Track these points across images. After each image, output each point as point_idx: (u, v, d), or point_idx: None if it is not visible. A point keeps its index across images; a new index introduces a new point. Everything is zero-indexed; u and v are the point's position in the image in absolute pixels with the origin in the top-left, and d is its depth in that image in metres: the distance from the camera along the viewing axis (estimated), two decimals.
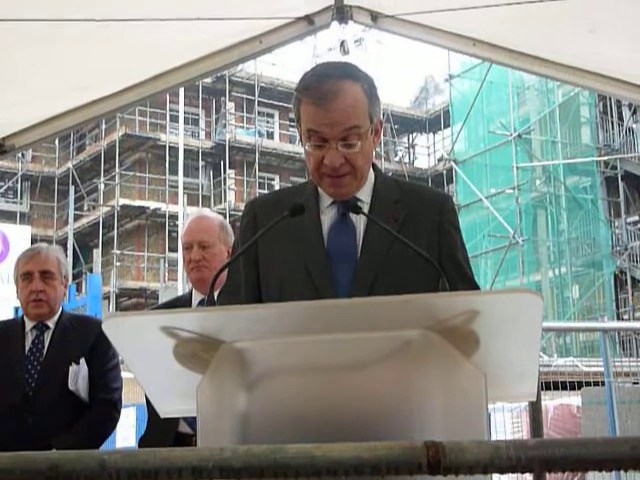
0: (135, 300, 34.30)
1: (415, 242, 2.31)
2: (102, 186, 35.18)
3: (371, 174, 2.67)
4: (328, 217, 2.60)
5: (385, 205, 2.58)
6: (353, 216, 2.55)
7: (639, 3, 3.98)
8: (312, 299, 2.36)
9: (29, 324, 4.43)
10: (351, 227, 2.56)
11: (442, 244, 2.56)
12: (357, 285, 2.47)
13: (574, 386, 10.13)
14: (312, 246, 2.54)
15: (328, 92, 2.45)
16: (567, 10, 4.14)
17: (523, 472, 1.32)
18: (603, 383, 8.72)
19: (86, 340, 4.37)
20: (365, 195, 2.63)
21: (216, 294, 2.66)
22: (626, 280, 27.96)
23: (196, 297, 4.19)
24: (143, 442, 4.11)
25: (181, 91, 27.32)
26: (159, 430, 3.83)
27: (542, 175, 27.67)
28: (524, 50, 4.71)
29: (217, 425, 1.82)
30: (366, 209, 2.56)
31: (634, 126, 28.86)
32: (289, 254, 2.54)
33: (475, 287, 2.60)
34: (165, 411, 2.05)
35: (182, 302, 4.27)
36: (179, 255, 26.24)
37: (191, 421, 3.71)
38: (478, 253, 26.52)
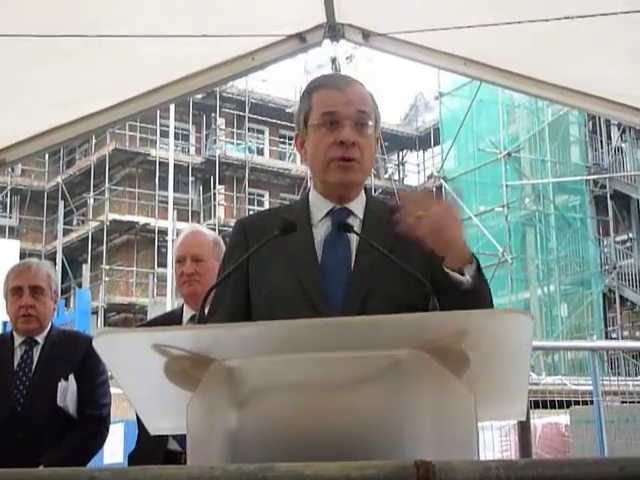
0: (124, 315, 34.20)
1: (408, 259, 2.32)
2: (91, 201, 35.13)
3: (363, 193, 2.70)
4: (321, 230, 2.60)
5: (377, 222, 2.60)
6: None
7: (629, 24, 4.00)
8: (307, 313, 2.38)
9: (18, 339, 4.42)
10: (346, 240, 2.56)
11: (433, 264, 2.56)
12: (350, 299, 2.46)
13: (562, 405, 10.12)
14: (304, 260, 2.53)
15: (343, 80, 2.70)
16: (557, 30, 4.16)
17: None
18: (592, 402, 8.73)
19: (75, 356, 4.35)
20: (359, 211, 2.64)
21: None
22: (614, 299, 27.98)
23: (187, 313, 4.17)
24: (133, 459, 4.09)
25: (171, 106, 27.32)
26: (149, 447, 3.81)
27: (531, 193, 27.71)
28: (515, 69, 4.74)
29: (207, 443, 1.82)
30: (359, 224, 2.59)
31: (623, 145, 28.96)
32: (281, 269, 2.53)
33: None
34: (155, 428, 2.04)
35: (174, 318, 4.26)
36: (168, 270, 26.22)
37: (180, 439, 3.69)
38: None
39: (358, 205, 2.66)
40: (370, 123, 2.60)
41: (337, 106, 2.57)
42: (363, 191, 2.71)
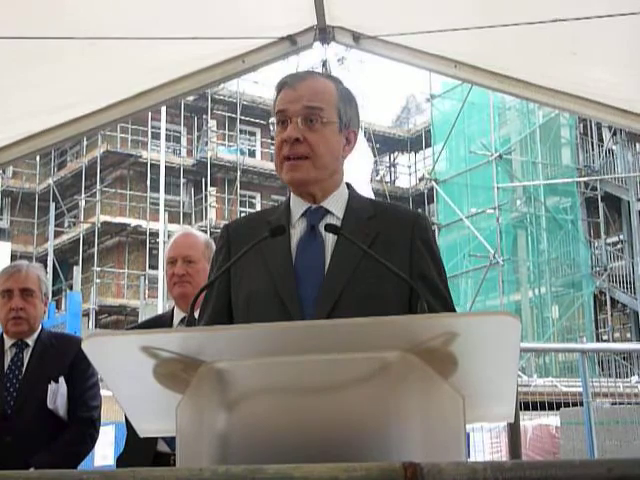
0: (115, 317, 34.16)
1: (386, 259, 2.28)
2: (83, 203, 35.09)
3: (345, 191, 2.67)
4: (297, 231, 2.58)
5: (357, 221, 2.56)
6: (322, 230, 2.51)
7: (619, 27, 4.01)
8: (278, 314, 2.39)
9: (8, 342, 4.41)
10: (320, 241, 2.54)
11: (413, 262, 2.52)
12: (323, 299, 2.44)
13: (553, 406, 10.15)
14: (280, 261, 2.52)
15: (299, 77, 2.62)
16: (548, 33, 4.17)
17: None
18: (582, 403, 8.76)
19: (65, 358, 4.35)
20: (337, 209, 2.61)
21: (196, 314, 2.66)
22: (605, 301, 28.04)
23: (178, 315, 4.17)
24: (122, 461, 4.09)
25: (163, 108, 27.26)
26: (138, 449, 3.81)
27: (522, 195, 27.74)
28: (505, 72, 4.74)
29: (196, 445, 1.82)
30: (337, 224, 2.53)
31: (614, 147, 29.00)
32: (257, 270, 2.53)
33: (449, 305, 2.55)
34: (144, 430, 2.04)
35: (164, 320, 4.27)
36: (159, 272, 26.19)
37: (170, 440, 3.69)
38: (458, 273, 26.53)
39: (336, 203, 2.62)
40: (321, 117, 2.54)
41: (286, 104, 2.56)
42: (345, 188, 2.68)
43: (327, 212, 2.60)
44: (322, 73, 2.77)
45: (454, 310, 2.58)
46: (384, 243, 2.49)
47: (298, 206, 2.63)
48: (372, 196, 2.83)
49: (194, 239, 4.26)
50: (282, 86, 2.63)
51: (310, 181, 2.57)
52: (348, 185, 2.71)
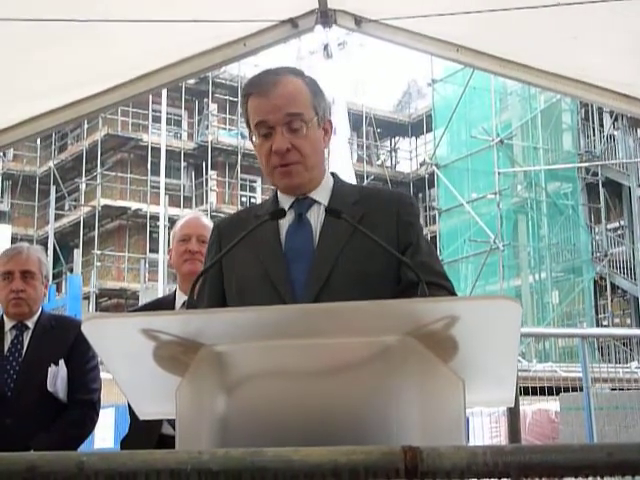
0: (115, 301, 34.21)
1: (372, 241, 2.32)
2: (83, 186, 35.08)
3: (330, 180, 2.74)
4: (285, 221, 2.63)
5: (342, 206, 2.59)
6: (311, 216, 2.62)
7: (621, 12, 4.00)
8: (270, 297, 2.46)
9: (8, 324, 4.42)
10: (308, 227, 2.61)
11: (400, 240, 2.58)
12: (312, 280, 2.51)
13: (552, 391, 10.16)
14: (270, 249, 2.59)
15: (269, 83, 2.59)
16: (550, 17, 4.16)
17: (500, 478, 1.33)
18: (581, 389, 8.78)
19: (65, 341, 4.35)
20: (323, 197, 2.68)
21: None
22: (606, 286, 28.06)
23: (180, 298, 4.18)
24: (125, 444, 4.09)
25: (164, 92, 27.26)
26: (142, 431, 3.81)
27: (523, 181, 27.72)
28: (507, 56, 4.73)
29: (196, 428, 1.82)
30: (323, 210, 2.61)
31: (615, 133, 28.98)
32: (249, 260, 2.59)
33: (443, 279, 2.58)
34: (144, 413, 2.04)
35: (165, 303, 4.28)
36: (160, 256, 26.21)
37: (175, 423, 3.69)
38: (459, 258, 26.56)
39: (322, 192, 2.69)
40: (304, 123, 2.57)
41: (265, 114, 2.56)
42: (330, 177, 2.75)
43: (314, 202, 2.67)
44: (285, 69, 2.70)
45: (449, 282, 2.60)
46: (370, 224, 2.52)
47: (286, 199, 2.69)
48: (353, 175, 2.90)
49: (207, 222, 4.35)
50: (249, 94, 2.62)
51: (304, 183, 2.64)
52: (333, 174, 2.78)
